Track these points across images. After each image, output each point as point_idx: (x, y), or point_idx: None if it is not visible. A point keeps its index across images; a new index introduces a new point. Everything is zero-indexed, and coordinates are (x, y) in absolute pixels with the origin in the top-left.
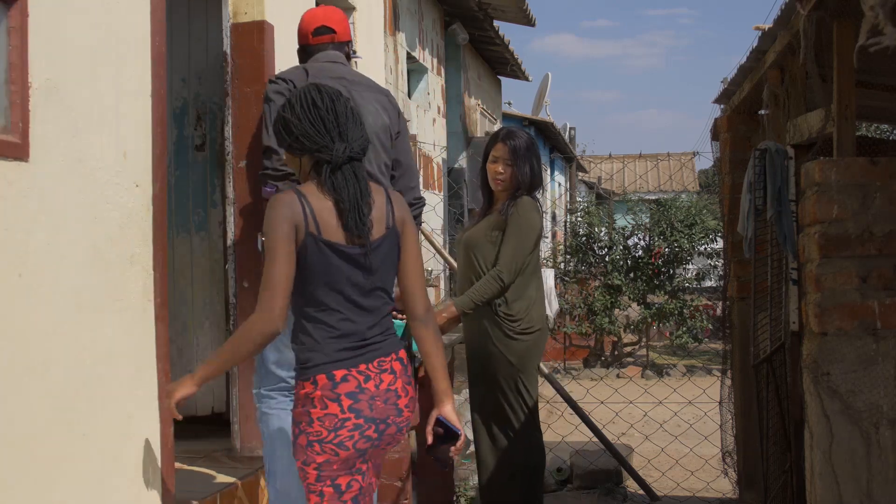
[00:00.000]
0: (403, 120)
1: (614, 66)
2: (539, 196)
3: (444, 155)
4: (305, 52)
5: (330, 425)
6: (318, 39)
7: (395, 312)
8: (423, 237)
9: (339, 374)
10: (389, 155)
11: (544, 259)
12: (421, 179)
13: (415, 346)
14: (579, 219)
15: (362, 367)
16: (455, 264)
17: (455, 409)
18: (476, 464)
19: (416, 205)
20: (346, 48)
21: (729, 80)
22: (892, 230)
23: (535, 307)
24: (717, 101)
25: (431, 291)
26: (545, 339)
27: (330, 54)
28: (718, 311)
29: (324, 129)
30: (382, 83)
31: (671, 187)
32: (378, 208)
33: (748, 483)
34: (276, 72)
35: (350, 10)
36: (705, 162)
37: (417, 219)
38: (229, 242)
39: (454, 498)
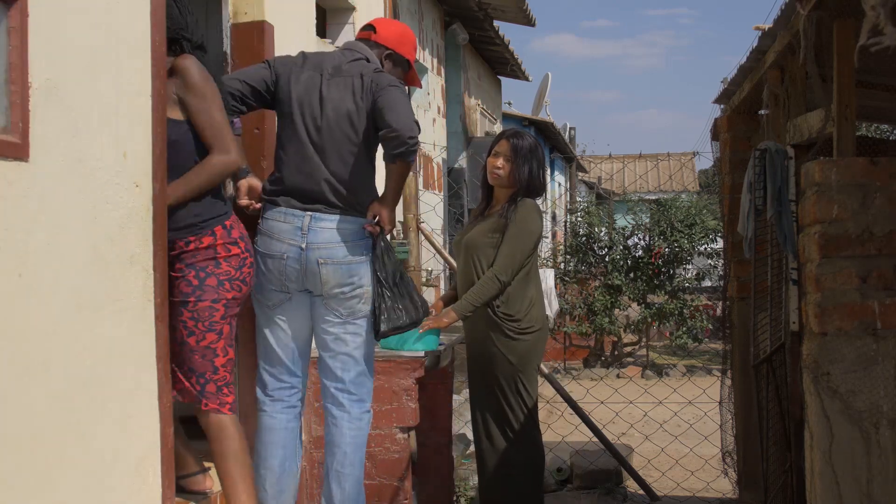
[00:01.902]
0: (378, 85)
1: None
2: (539, 201)
3: (444, 155)
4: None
5: (236, 264)
6: (361, 34)
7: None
8: (423, 237)
9: (228, 223)
10: (357, 137)
11: (544, 259)
12: (421, 179)
13: (432, 346)
14: (579, 219)
15: (234, 217)
16: (455, 264)
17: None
18: (476, 464)
19: (404, 149)
20: (378, 49)
21: (729, 80)
22: (892, 230)
23: (534, 307)
24: (717, 101)
25: (431, 291)
26: (545, 339)
27: (349, 43)
28: (718, 311)
29: (180, 14)
30: None
31: (671, 187)
32: None
33: (748, 483)
34: None
35: (350, 10)
36: (705, 162)
37: (409, 156)
38: None
39: (454, 498)
